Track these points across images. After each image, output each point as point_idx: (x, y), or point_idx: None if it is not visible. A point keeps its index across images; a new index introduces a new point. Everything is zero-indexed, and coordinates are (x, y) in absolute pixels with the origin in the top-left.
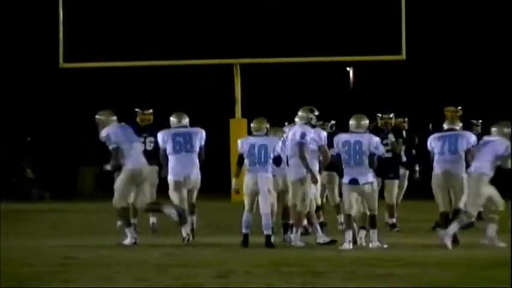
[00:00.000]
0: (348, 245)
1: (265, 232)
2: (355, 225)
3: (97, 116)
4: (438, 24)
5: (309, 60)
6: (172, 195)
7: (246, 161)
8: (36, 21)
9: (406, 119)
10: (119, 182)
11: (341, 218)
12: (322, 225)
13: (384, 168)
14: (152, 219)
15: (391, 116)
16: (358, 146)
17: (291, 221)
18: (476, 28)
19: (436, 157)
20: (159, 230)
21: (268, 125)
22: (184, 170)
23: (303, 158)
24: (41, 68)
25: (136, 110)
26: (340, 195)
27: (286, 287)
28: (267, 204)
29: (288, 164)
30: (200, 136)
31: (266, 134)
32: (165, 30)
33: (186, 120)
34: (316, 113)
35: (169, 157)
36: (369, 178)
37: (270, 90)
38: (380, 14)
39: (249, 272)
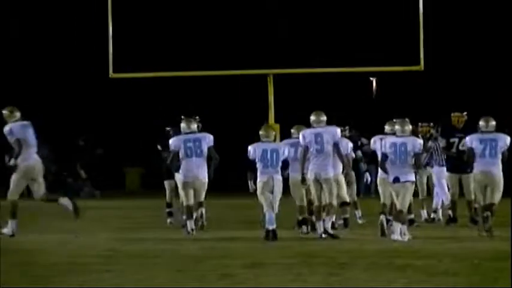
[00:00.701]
0: (398, 237)
1: (271, 226)
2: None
3: (3, 111)
4: (454, 37)
5: (335, 71)
6: (181, 192)
7: (258, 165)
8: (88, 36)
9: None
10: (14, 176)
11: (359, 213)
12: (345, 220)
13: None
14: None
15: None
16: (403, 147)
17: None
18: (489, 41)
19: (477, 158)
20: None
21: (275, 132)
22: (193, 172)
23: (341, 156)
24: (92, 77)
25: (182, 117)
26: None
27: (313, 276)
28: (277, 203)
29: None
30: (208, 140)
31: (274, 140)
32: (206, 43)
33: (194, 126)
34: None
35: (182, 161)
36: (410, 177)
37: (300, 97)
38: (401, 29)
39: (278, 263)
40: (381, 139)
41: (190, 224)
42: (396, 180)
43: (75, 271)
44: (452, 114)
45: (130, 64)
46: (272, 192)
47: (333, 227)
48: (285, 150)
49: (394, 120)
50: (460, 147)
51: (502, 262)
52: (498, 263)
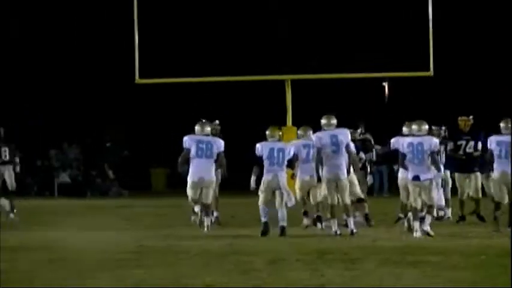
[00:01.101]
0: (418, 234)
1: (281, 223)
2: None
3: None
4: (463, 43)
5: (349, 76)
6: (189, 191)
7: (265, 163)
8: (115, 43)
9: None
10: None
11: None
12: (367, 215)
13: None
14: (216, 213)
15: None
16: (420, 147)
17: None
18: (496, 48)
19: (496, 159)
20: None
21: (280, 133)
22: (201, 173)
23: (351, 157)
24: (119, 82)
25: (203, 120)
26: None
27: (330, 271)
28: (285, 198)
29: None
30: (218, 145)
31: (279, 140)
32: (228, 50)
33: (208, 129)
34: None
35: (191, 160)
36: (429, 175)
37: (316, 101)
38: (412, 36)
39: (297, 259)
40: (400, 140)
41: (194, 217)
42: (416, 178)
43: (107, 266)
44: (459, 118)
45: (156, 70)
46: (278, 189)
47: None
48: (290, 150)
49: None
50: (467, 150)
51: (506, 258)
52: (504, 259)
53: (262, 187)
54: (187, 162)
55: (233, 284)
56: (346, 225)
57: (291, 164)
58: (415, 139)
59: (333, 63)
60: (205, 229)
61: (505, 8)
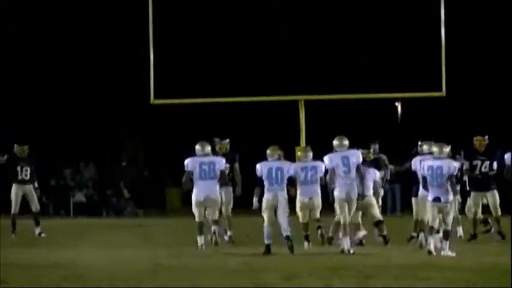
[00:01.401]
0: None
1: (285, 233)
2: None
3: None
4: (475, 64)
5: (362, 97)
6: (194, 210)
7: (265, 182)
8: (131, 64)
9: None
10: None
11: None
12: (384, 237)
13: None
14: (230, 233)
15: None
16: (439, 170)
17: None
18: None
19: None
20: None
21: (280, 152)
22: (206, 192)
23: (362, 178)
24: (135, 103)
25: (215, 139)
26: None
27: (343, 287)
28: (285, 217)
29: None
30: (220, 164)
31: (279, 159)
32: (243, 71)
33: (208, 149)
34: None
35: (195, 181)
36: (449, 197)
37: (330, 121)
38: (424, 58)
39: (311, 275)
40: (421, 161)
41: (200, 240)
42: (437, 200)
43: (123, 284)
44: (474, 138)
45: (171, 91)
46: (276, 208)
47: (360, 243)
48: (290, 169)
49: (420, 141)
50: (483, 169)
51: None
52: None
53: (263, 207)
54: (191, 181)
55: None
56: (361, 243)
57: (291, 182)
58: (435, 162)
59: (346, 84)
60: (228, 239)
61: None
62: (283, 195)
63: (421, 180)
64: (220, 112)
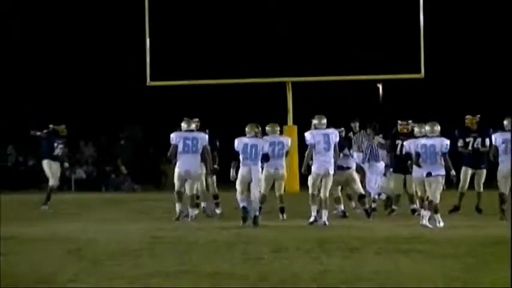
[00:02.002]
0: (426, 222)
1: (253, 213)
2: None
3: None
4: (452, 46)
5: (345, 79)
6: (175, 181)
7: (240, 157)
8: (127, 46)
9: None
10: None
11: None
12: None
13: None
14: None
15: (409, 122)
16: (432, 148)
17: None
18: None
19: (501, 154)
20: (224, 215)
21: (258, 129)
22: (187, 166)
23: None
24: (131, 85)
25: (184, 118)
26: None
27: (329, 259)
28: (256, 190)
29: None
30: (203, 139)
31: (256, 136)
32: (233, 54)
33: (193, 126)
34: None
35: (179, 154)
36: (441, 172)
37: (316, 101)
38: (404, 42)
39: (299, 248)
40: (414, 142)
41: (178, 206)
42: (429, 174)
43: (124, 256)
44: (466, 117)
45: (166, 73)
46: (251, 181)
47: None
48: (264, 146)
49: (406, 121)
50: (475, 146)
51: (496, 247)
52: (492, 248)
53: (238, 179)
54: (175, 155)
55: (239, 271)
56: (345, 216)
57: (266, 158)
58: (428, 141)
59: (330, 67)
60: (190, 219)
61: (494, 9)
62: (256, 170)
63: (414, 158)
64: (213, 93)
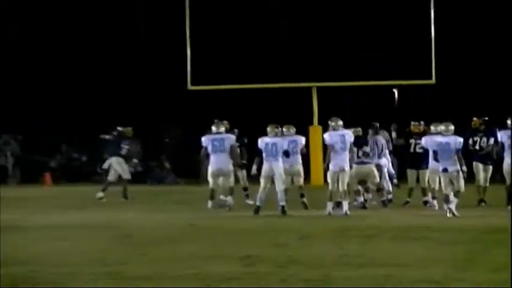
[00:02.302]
0: (449, 214)
1: (281, 203)
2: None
3: None
4: (463, 53)
5: (364, 84)
6: (209, 180)
7: (263, 154)
8: (169, 52)
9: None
10: None
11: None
12: (384, 201)
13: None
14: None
15: (421, 122)
16: (447, 146)
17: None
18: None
19: (506, 150)
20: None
21: (278, 129)
22: (218, 164)
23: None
24: (173, 89)
25: (215, 121)
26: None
27: (349, 245)
28: (280, 183)
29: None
30: (230, 139)
31: (276, 135)
32: (263, 61)
33: (222, 128)
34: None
35: (210, 155)
36: (456, 167)
37: (338, 103)
38: (416, 50)
39: (321, 235)
40: (431, 138)
41: (210, 203)
42: (445, 170)
43: (167, 241)
44: (473, 119)
45: (205, 78)
46: (274, 175)
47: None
48: (283, 143)
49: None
50: (481, 144)
51: (498, 234)
52: (495, 235)
53: (262, 174)
54: (207, 156)
55: (269, 255)
56: (364, 207)
57: (286, 154)
58: (443, 138)
59: (350, 73)
60: (228, 208)
61: (505, 15)
62: (277, 165)
63: (432, 154)
64: (245, 96)
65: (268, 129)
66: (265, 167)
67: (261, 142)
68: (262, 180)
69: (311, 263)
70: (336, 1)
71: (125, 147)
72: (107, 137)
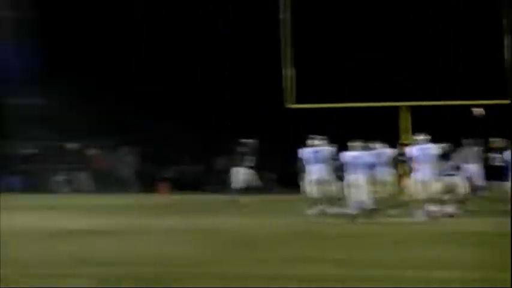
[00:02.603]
0: None
1: (366, 211)
2: None
3: None
4: None
5: (446, 103)
6: (306, 189)
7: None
8: (267, 74)
9: None
10: None
11: None
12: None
13: None
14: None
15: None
16: None
17: None
18: None
19: None
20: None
21: (362, 144)
22: (314, 175)
23: None
24: (271, 107)
25: (309, 136)
26: None
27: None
28: (364, 193)
29: None
30: (325, 152)
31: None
32: (360, 81)
33: (317, 142)
34: None
35: (306, 166)
36: None
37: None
38: (493, 72)
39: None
40: None
41: (310, 211)
42: None
43: (266, 243)
44: None
45: (307, 97)
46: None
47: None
48: (367, 157)
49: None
50: None
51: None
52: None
53: (350, 186)
54: (304, 167)
55: (352, 258)
56: (451, 216)
57: (371, 167)
58: None
59: (435, 93)
60: (328, 214)
61: None
62: (363, 177)
63: None
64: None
65: (352, 144)
66: (351, 178)
67: (347, 156)
68: (350, 191)
69: (372, 264)
70: (421, 27)
71: (247, 158)
72: (243, 149)
